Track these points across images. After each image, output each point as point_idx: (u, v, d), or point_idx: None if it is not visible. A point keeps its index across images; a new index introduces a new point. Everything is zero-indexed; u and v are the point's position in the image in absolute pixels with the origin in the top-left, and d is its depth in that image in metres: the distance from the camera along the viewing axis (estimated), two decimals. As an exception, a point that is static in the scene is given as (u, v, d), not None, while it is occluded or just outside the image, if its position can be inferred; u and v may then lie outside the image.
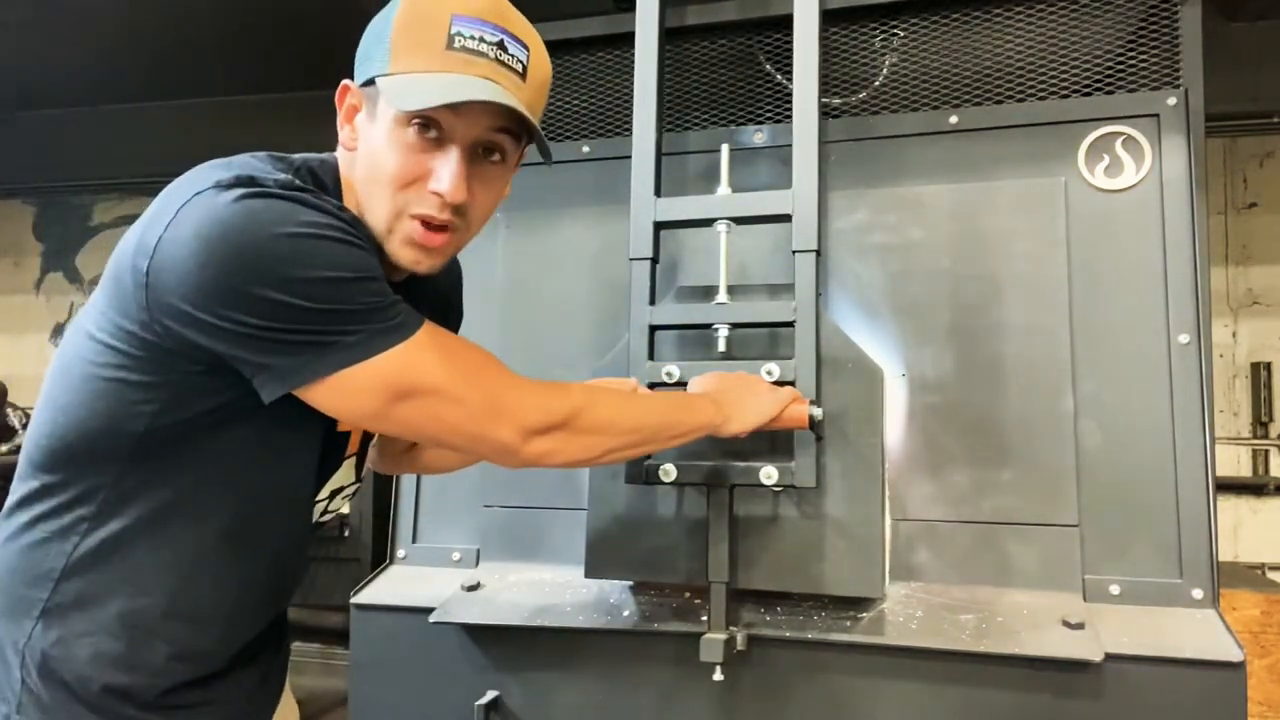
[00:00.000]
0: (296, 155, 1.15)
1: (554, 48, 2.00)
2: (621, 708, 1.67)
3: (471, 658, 1.74)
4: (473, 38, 1.08)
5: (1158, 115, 1.70)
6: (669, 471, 1.59)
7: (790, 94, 1.91)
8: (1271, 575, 3.72)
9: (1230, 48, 2.90)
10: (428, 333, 1.10)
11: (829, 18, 1.85)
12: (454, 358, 1.12)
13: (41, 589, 1.10)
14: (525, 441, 1.16)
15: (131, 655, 1.11)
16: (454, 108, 1.05)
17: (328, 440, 1.21)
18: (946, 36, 1.83)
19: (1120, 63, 1.76)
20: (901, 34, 1.86)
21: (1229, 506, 3.93)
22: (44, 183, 4.66)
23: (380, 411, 1.07)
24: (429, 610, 1.74)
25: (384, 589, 1.88)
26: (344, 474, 1.32)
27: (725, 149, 1.74)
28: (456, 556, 1.93)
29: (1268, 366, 3.98)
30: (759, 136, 1.91)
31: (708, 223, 1.69)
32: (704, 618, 1.60)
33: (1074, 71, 1.78)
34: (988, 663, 1.50)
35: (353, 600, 1.85)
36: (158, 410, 1.06)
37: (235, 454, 1.13)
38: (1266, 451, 3.98)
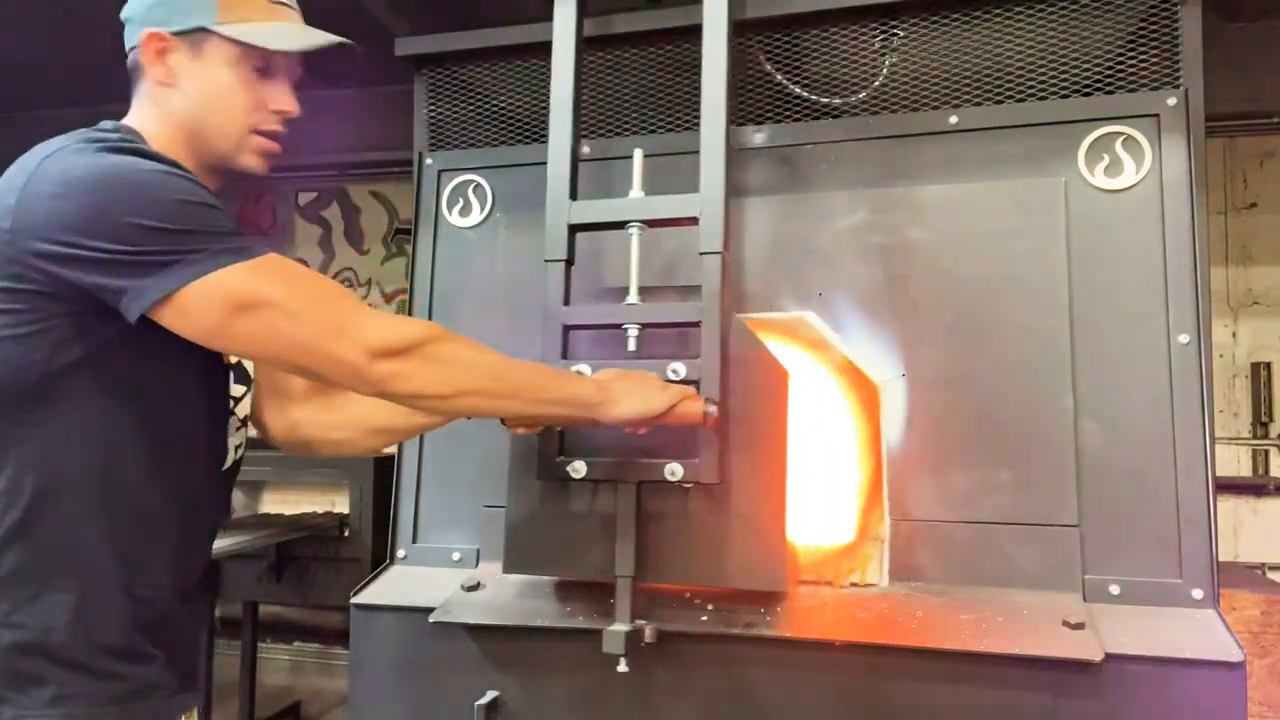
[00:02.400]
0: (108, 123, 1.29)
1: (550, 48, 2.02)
2: (622, 707, 1.67)
3: (471, 658, 1.74)
4: None
5: (1158, 115, 1.70)
6: (578, 468, 1.61)
7: (789, 94, 1.92)
8: (1271, 575, 3.71)
9: (1230, 48, 2.89)
10: (274, 258, 1.19)
11: (830, 17, 1.86)
12: (299, 279, 1.20)
13: None
14: (371, 362, 1.19)
15: (83, 604, 1.18)
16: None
17: (213, 369, 1.32)
18: (946, 36, 1.83)
19: (1120, 63, 1.76)
20: (901, 34, 1.85)
21: (1229, 506, 3.92)
22: (44, 183, 4.65)
23: (221, 325, 1.14)
24: (429, 610, 1.74)
25: (384, 589, 1.88)
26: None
27: (638, 154, 1.75)
28: (456, 556, 1.93)
29: (1268, 366, 3.97)
30: (759, 137, 1.91)
31: (620, 225, 1.71)
32: (703, 617, 1.61)
33: (1074, 71, 1.78)
34: (988, 663, 1.50)
35: (353, 600, 1.85)
36: (47, 356, 1.16)
37: (126, 392, 1.21)
38: (1266, 451, 3.97)
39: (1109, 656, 1.45)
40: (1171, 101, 1.69)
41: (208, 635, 3.78)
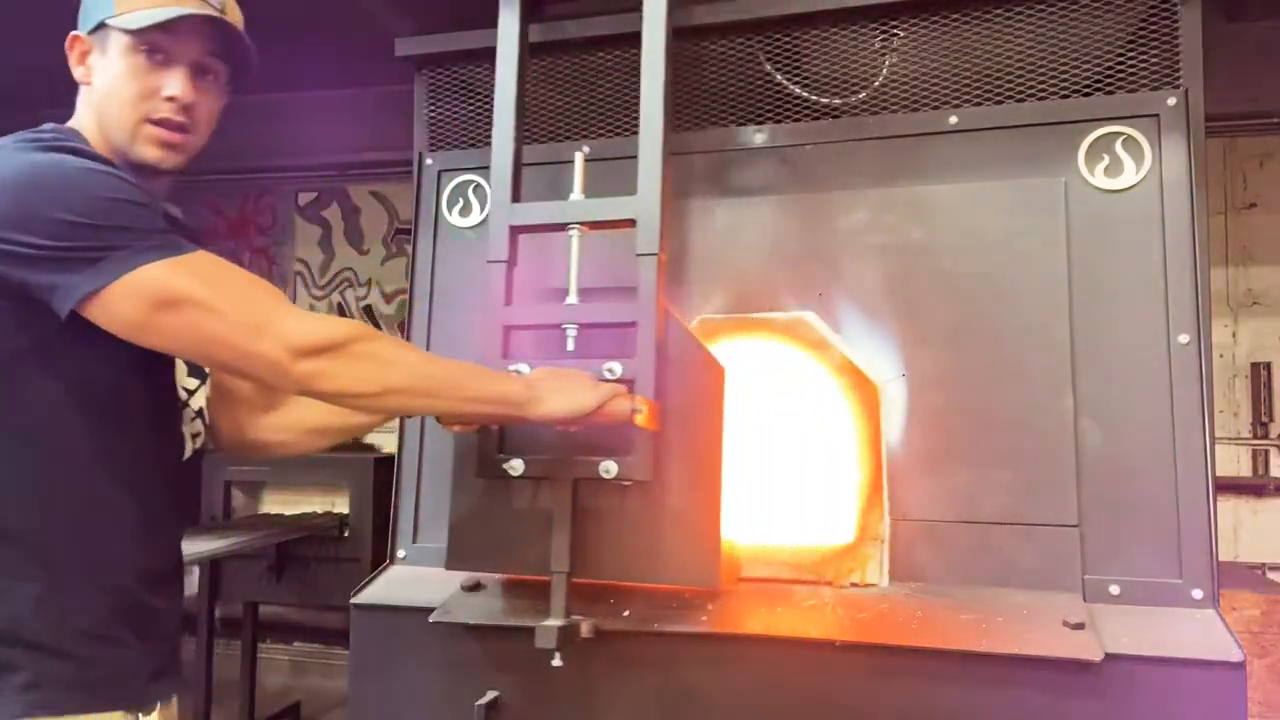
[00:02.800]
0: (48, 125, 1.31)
1: (550, 48, 2.02)
2: (622, 707, 1.68)
3: (471, 658, 1.74)
4: None
5: (1158, 115, 1.70)
6: (515, 466, 1.63)
7: (790, 94, 1.92)
8: (1271, 575, 3.72)
9: (1230, 48, 2.89)
10: (202, 256, 1.21)
11: (830, 18, 1.86)
12: (224, 278, 1.22)
13: None
14: (293, 360, 1.20)
15: (49, 592, 1.20)
16: (172, 34, 1.30)
17: (157, 360, 1.31)
18: (946, 37, 1.83)
19: (1120, 63, 1.76)
20: (902, 34, 1.86)
21: (1229, 507, 3.92)
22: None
23: (144, 320, 1.17)
24: (429, 610, 1.74)
25: (384, 589, 1.88)
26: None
27: (579, 157, 1.76)
28: (456, 556, 1.93)
29: (1267, 367, 3.98)
30: (759, 137, 1.92)
31: (561, 227, 1.72)
32: (703, 617, 1.61)
33: (1074, 71, 1.78)
34: (988, 663, 1.50)
35: (353, 600, 1.85)
36: None
37: (74, 383, 1.23)
38: (1266, 452, 3.97)
39: (1109, 656, 1.45)
40: (1171, 102, 1.69)
41: (208, 635, 3.79)
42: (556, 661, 1.54)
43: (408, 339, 2.05)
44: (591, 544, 1.63)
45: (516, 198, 1.78)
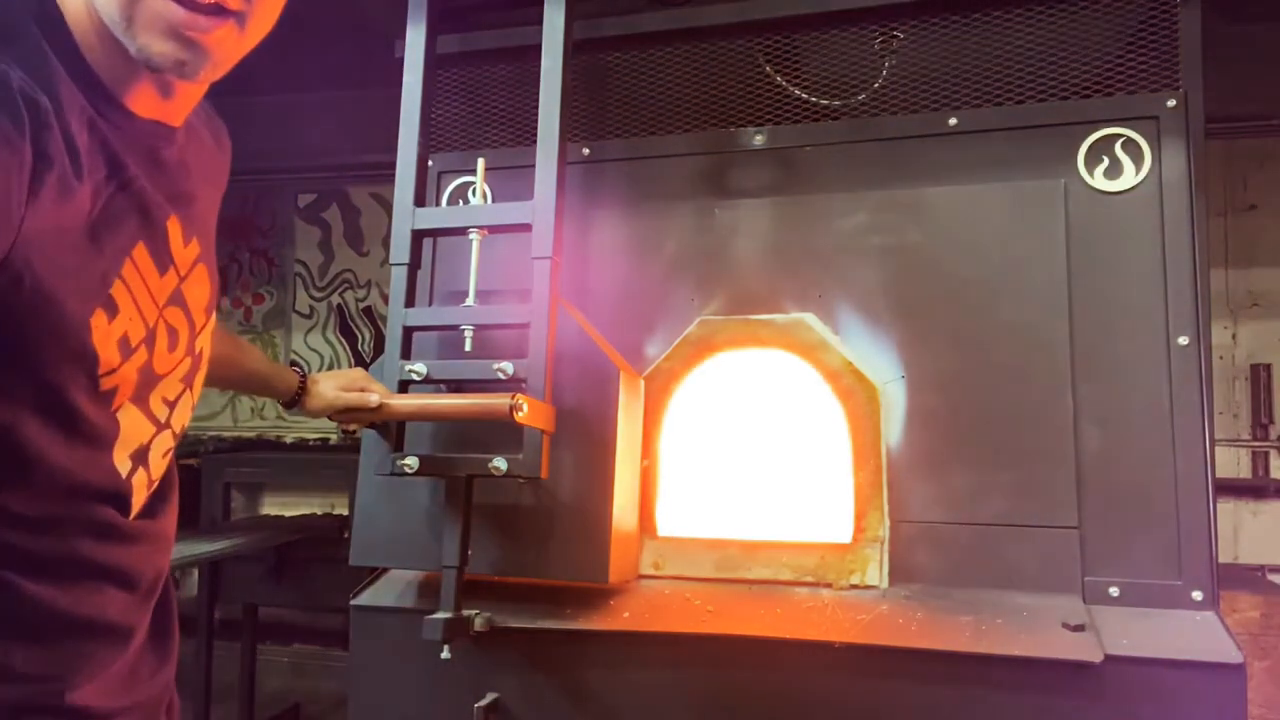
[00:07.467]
0: None
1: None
2: (621, 708, 1.67)
3: (471, 658, 1.74)
4: None
5: (1157, 117, 1.70)
6: (411, 464, 1.65)
7: (790, 96, 1.92)
8: (1271, 577, 3.71)
9: (1230, 49, 2.89)
10: None
11: (830, 20, 1.86)
12: None
13: None
14: None
15: None
16: None
17: None
18: (946, 38, 1.83)
19: (1120, 64, 1.76)
20: (901, 35, 1.86)
21: (1229, 508, 3.92)
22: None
23: None
24: (429, 611, 1.74)
25: (383, 591, 1.88)
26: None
27: (480, 163, 1.79)
28: (456, 558, 1.93)
29: (1267, 368, 3.97)
30: (759, 138, 1.92)
31: (461, 231, 1.75)
32: (701, 619, 1.61)
33: (1073, 73, 1.78)
34: (988, 664, 1.50)
35: (352, 602, 1.85)
36: None
37: None
38: (1266, 453, 3.97)
39: (1109, 658, 1.45)
40: (1171, 103, 1.69)
41: (207, 637, 3.78)
42: (445, 654, 1.58)
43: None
44: (488, 540, 1.68)
45: (420, 202, 1.81)
